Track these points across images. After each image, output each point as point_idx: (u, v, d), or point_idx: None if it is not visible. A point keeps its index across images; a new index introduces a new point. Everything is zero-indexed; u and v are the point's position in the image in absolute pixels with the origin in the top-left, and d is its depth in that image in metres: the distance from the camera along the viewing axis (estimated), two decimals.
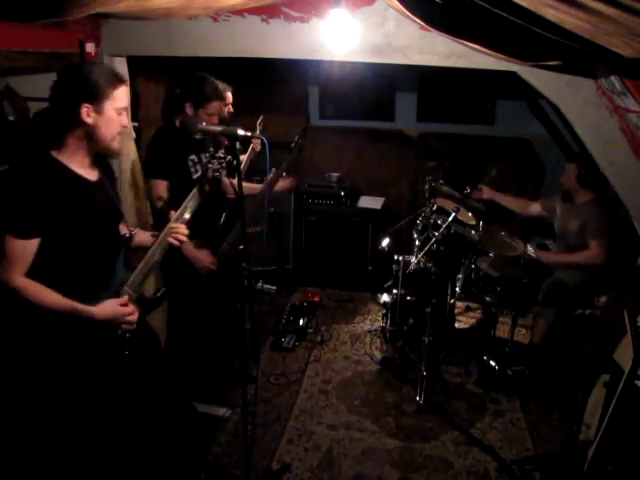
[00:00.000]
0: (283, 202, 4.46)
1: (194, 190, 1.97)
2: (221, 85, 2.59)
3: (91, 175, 1.77)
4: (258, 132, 3.20)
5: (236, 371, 3.07)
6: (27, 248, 1.62)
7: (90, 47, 2.56)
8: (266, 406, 3.06)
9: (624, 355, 2.14)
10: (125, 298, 1.82)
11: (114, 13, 2.27)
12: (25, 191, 1.59)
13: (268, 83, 4.75)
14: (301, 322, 3.85)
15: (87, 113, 1.62)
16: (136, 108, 3.25)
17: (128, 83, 1.74)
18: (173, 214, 1.94)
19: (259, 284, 4.46)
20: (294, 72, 4.39)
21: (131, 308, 1.82)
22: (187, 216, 1.95)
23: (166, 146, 2.53)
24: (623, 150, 2.45)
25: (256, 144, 3.02)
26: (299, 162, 5.05)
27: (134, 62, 2.89)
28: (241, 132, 1.92)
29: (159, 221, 2.62)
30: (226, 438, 2.81)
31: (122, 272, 1.85)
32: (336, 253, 4.54)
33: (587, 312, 3.32)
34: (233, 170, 1.98)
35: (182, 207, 1.95)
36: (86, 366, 1.78)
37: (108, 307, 1.75)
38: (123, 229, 1.96)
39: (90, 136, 1.66)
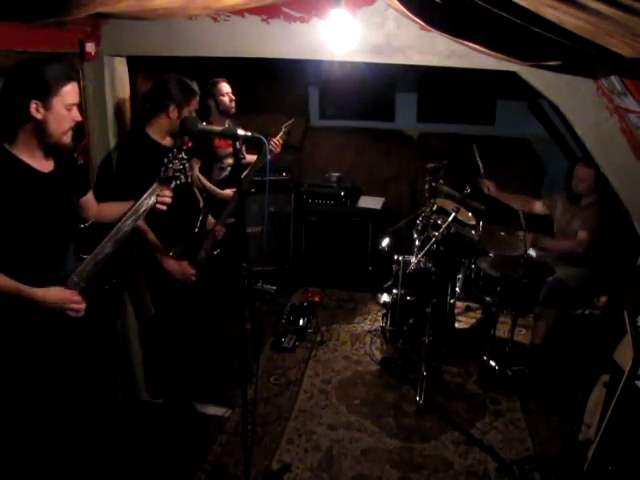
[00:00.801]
0: (283, 202, 4.46)
1: (154, 185, 1.98)
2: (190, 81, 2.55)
3: (44, 167, 1.81)
4: (281, 134, 3.24)
5: (236, 371, 3.08)
6: None
7: (90, 47, 2.55)
8: (266, 406, 3.06)
9: (624, 355, 2.14)
10: (75, 288, 1.84)
11: (114, 13, 2.27)
12: None
13: (268, 83, 4.76)
14: (301, 322, 3.85)
15: (36, 109, 1.68)
16: None
17: (78, 80, 1.80)
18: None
19: (259, 284, 4.45)
20: (294, 72, 4.39)
21: (78, 297, 1.84)
22: (142, 209, 1.95)
23: (139, 161, 2.40)
24: (623, 150, 2.44)
25: (276, 147, 3.03)
26: (299, 162, 5.06)
27: (134, 62, 2.89)
28: (241, 132, 1.93)
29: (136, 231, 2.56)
30: (226, 438, 2.81)
31: (72, 263, 1.88)
32: (336, 253, 4.54)
33: (587, 312, 3.33)
34: (235, 170, 1.99)
35: (140, 201, 1.95)
36: (31, 349, 1.79)
37: (53, 292, 1.78)
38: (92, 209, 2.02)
39: (40, 131, 1.72)
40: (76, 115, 1.79)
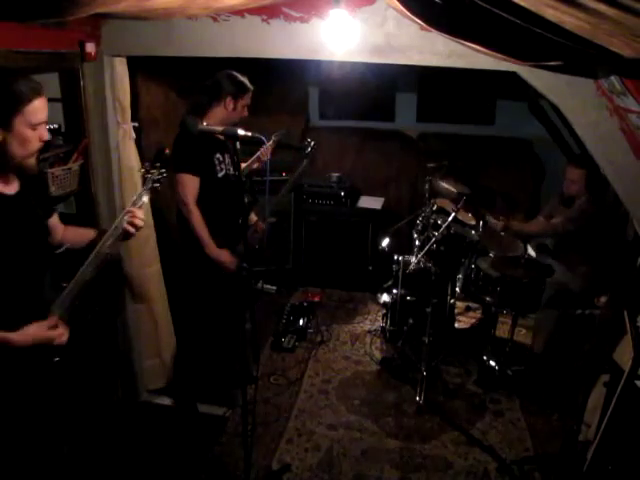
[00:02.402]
0: (283, 202, 4.46)
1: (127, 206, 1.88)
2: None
3: (8, 189, 1.64)
4: (271, 142, 3.19)
5: (236, 371, 3.08)
6: None
7: (90, 47, 2.55)
8: (266, 406, 3.06)
9: (624, 355, 2.14)
10: (54, 319, 1.68)
11: (114, 13, 2.27)
12: None
13: (268, 83, 4.75)
14: (301, 322, 3.85)
15: None
16: (136, 108, 3.25)
17: (43, 93, 1.59)
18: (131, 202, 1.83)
19: (259, 284, 4.45)
20: (294, 72, 4.39)
21: (59, 330, 1.68)
22: (144, 199, 1.83)
23: (194, 143, 2.56)
24: (623, 150, 2.44)
25: (264, 154, 3.04)
26: (299, 162, 5.06)
27: (134, 62, 2.89)
28: (241, 132, 1.93)
29: (182, 219, 2.65)
30: (226, 438, 2.81)
31: (50, 293, 1.72)
32: (336, 253, 4.54)
33: (587, 312, 3.33)
34: (235, 170, 1.99)
35: (116, 222, 1.83)
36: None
37: (31, 331, 1.60)
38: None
39: (1, 153, 1.55)
40: (43, 134, 1.60)
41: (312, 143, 3.16)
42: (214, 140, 2.61)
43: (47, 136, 1.61)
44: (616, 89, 2.19)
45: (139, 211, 1.79)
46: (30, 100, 1.53)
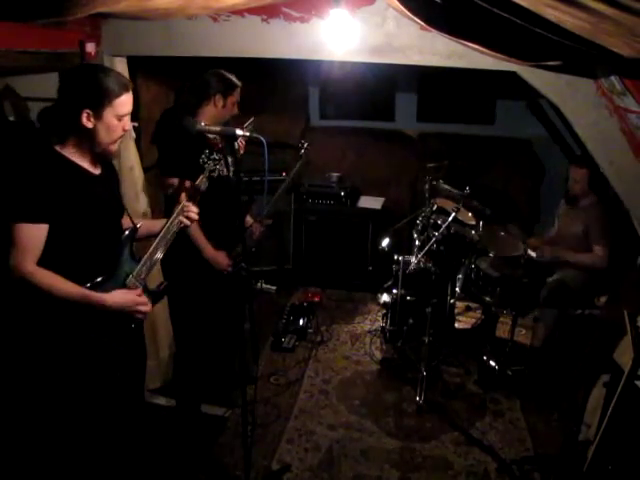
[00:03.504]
0: (283, 202, 4.46)
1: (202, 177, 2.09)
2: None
3: (94, 169, 1.83)
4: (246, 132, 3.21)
5: (236, 371, 3.08)
6: (37, 234, 1.67)
7: (90, 47, 2.55)
8: (266, 406, 3.06)
9: (624, 355, 2.14)
10: (139, 289, 1.87)
11: (114, 13, 2.27)
12: (31, 179, 1.66)
13: (268, 83, 4.75)
14: (301, 322, 3.85)
15: (87, 118, 1.69)
16: (136, 108, 3.23)
17: (131, 89, 1.79)
18: (183, 197, 2.02)
19: (259, 284, 4.45)
20: (294, 72, 4.39)
21: (144, 298, 1.87)
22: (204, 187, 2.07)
23: (181, 146, 2.53)
24: (623, 150, 2.44)
25: (240, 147, 3.02)
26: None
27: (134, 62, 2.89)
28: (240, 132, 1.94)
29: (170, 208, 2.62)
30: (226, 438, 2.81)
31: (128, 263, 1.88)
32: (336, 253, 4.54)
33: (587, 312, 3.33)
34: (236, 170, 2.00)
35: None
36: (92, 356, 1.81)
37: (120, 295, 1.79)
38: (127, 222, 1.99)
39: (89, 138, 1.73)
40: (127, 124, 1.79)
41: (305, 144, 3.14)
42: (207, 140, 2.57)
43: (129, 126, 1.82)
44: (616, 89, 2.19)
45: (192, 206, 2.01)
46: (120, 94, 1.72)
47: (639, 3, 0.91)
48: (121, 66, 2.79)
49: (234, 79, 2.62)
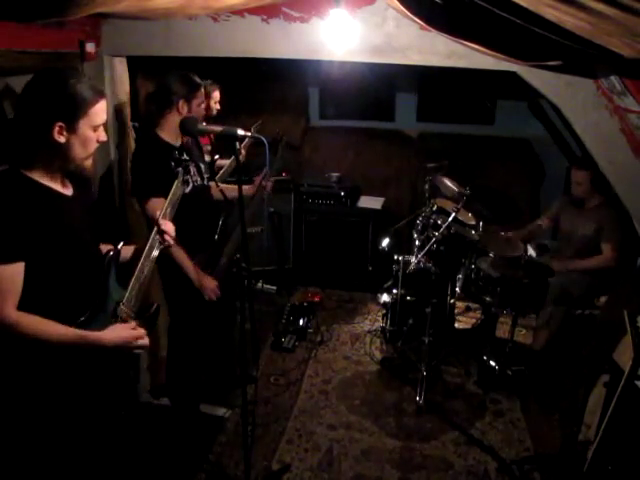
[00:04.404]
0: (283, 202, 4.46)
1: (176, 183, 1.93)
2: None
3: (66, 190, 1.63)
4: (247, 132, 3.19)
5: (236, 371, 3.08)
6: (14, 274, 1.47)
7: (90, 47, 2.55)
8: (266, 406, 3.06)
9: (624, 355, 2.14)
10: (133, 323, 1.70)
11: (114, 13, 2.27)
12: (1, 215, 1.44)
13: (268, 83, 4.76)
14: (301, 322, 3.85)
15: (59, 132, 1.48)
16: (136, 108, 3.25)
17: (104, 96, 1.60)
18: (158, 213, 1.84)
19: (259, 284, 4.45)
20: (294, 72, 4.39)
21: (141, 331, 1.69)
22: (169, 210, 1.87)
23: (155, 162, 2.36)
24: (623, 150, 2.45)
25: (241, 153, 2.99)
26: (299, 162, 5.07)
27: (134, 62, 2.89)
28: (241, 132, 1.93)
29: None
30: (226, 438, 2.81)
31: (116, 291, 1.71)
32: (336, 253, 4.54)
33: (587, 312, 3.32)
34: (234, 171, 1.99)
35: (165, 204, 1.89)
36: (83, 389, 1.65)
37: (117, 332, 1.62)
38: (105, 246, 1.81)
39: (61, 155, 1.53)
40: (102, 135, 1.59)
41: (278, 131, 3.19)
42: (174, 150, 2.31)
43: (104, 137, 1.60)
44: (616, 89, 2.20)
45: (168, 223, 1.82)
46: (95, 102, 1.53)
47: (639, 3, 0.92)
48: (121, 66, 2.80)
49: (196, 78, 2.47)
